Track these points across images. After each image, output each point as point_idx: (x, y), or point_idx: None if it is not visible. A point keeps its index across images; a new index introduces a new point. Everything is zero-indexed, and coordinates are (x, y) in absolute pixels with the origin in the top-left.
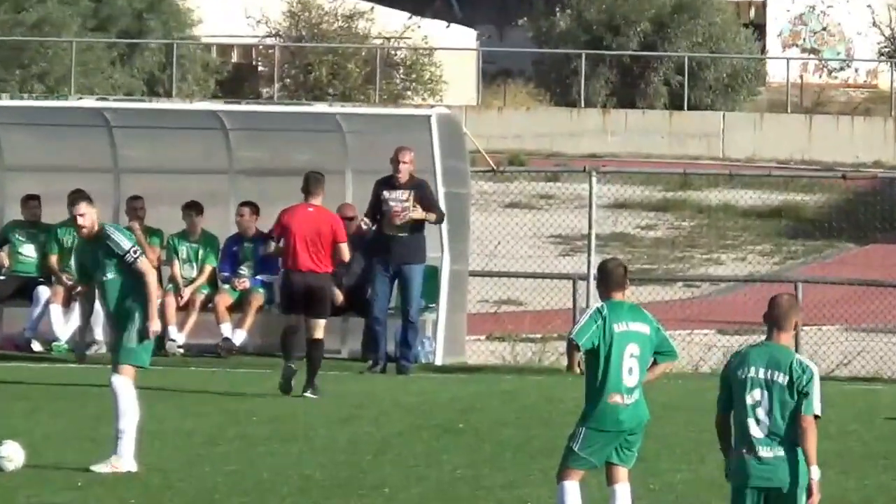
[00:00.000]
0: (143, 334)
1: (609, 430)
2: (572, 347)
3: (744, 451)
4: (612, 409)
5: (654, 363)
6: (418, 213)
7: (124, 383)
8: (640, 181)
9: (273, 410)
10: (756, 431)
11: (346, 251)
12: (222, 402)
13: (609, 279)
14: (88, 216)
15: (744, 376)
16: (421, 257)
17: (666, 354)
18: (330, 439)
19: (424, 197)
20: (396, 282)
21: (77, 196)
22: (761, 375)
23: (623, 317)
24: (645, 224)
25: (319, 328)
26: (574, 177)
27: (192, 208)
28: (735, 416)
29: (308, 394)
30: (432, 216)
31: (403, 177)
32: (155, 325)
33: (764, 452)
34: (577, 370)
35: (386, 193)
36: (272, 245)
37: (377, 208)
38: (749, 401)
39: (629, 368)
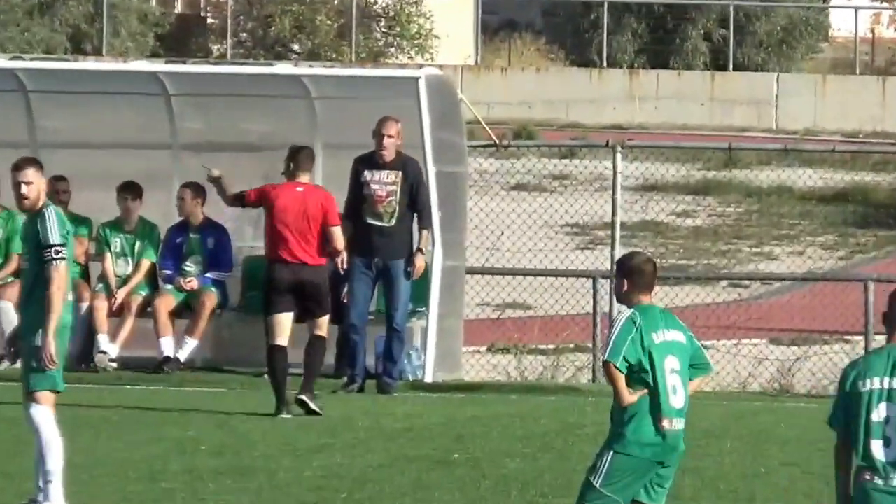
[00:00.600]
0: (39, 360)
1: (642, 457)
2: (612, 372)
3: (866, 477)
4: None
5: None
6: (420, 261)
7: (43, 415)
8: (675, 158)
9: (226, 438)
10: (883, 454)
11: (339, 237)
12: (164, 428)
13: (637, 278)
14: (35, 186)
15: (865, 389)
16: (409, 252)
17: (700, 367)
18: (296, 473)
19: (415, 181)
20: (380, 281)
21: (25, 161)
22: (886, 386)
23: (658, 324)
24: (681, 210)
25: (322, 326)
26: (595, 153)
27: (128, 191)
28: (854, 438)
29: (303, 397)
30: (427, 239)
31: (389, 154)
32: (50, 351)
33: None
34: (633, 398)
35: (367, 174)
36: (236, 203)
37: (357, 193)
38: (875, 418)
39: (673, 386)
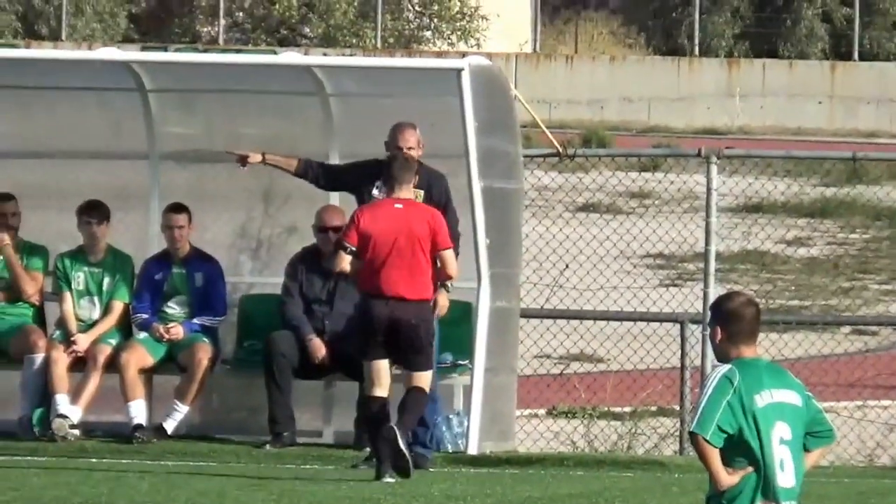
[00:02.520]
0: None
1: None
2: (702, 448)
3: None
4: None
5: (805, 449)
6: (444, 300)
7: None
8: (784, 171)
9: None
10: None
11: (453, 263)
12: None
13: (735, 325)
14: None
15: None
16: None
17: (820, 437)
18: None
19: (441, 202)
20: None
21: None
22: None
23: (763, 382)
24: (792, 237)
25: (423, 380)
26: (684, 164)
27: (92, 213)
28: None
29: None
30: (449, 280)
31: None
32: None
33: None
34: (733, 479)
35: (377, 193)
36: (345, 260)
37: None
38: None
39: (781, 461)
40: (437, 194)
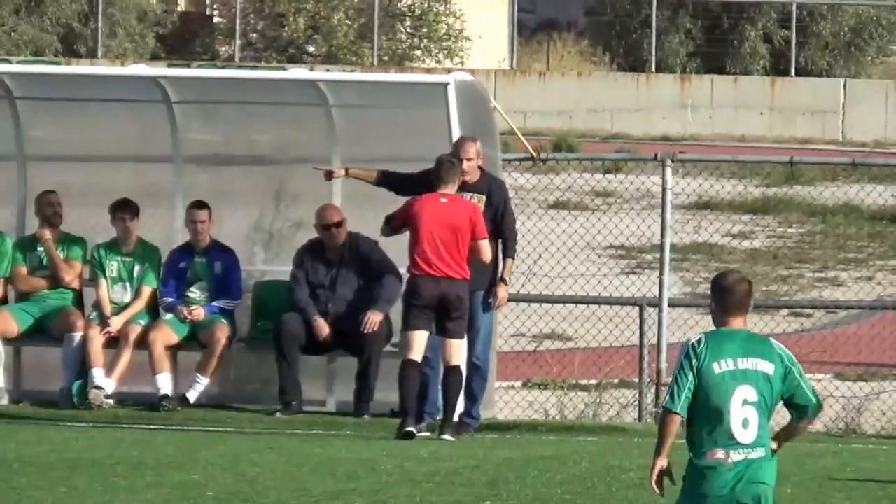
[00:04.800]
0: None
1: (706, 494)
2: (666, 424)
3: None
4: (711, 471)
5: (792, 422)
6: (503, 292)
7: None
8: (731, 173)
9: (234, 483)
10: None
11: (487, 250)
12: (166, 471)
13: (724, 299)
14: None
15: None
16: (484, 282)
17: (802, 411)
18: None
19: (500, 206)
20: None
21: None
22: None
23: (729, 351)
24: (737, 231)
25: (457, 352)
26: (642, 167)
27: (125, 210)
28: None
29: (447, 436)
30: (510, 268)
31: (471, 176)
32: None
33: None
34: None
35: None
36: (387, 229)
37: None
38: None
39: (743, 419)
40: (497, 199)
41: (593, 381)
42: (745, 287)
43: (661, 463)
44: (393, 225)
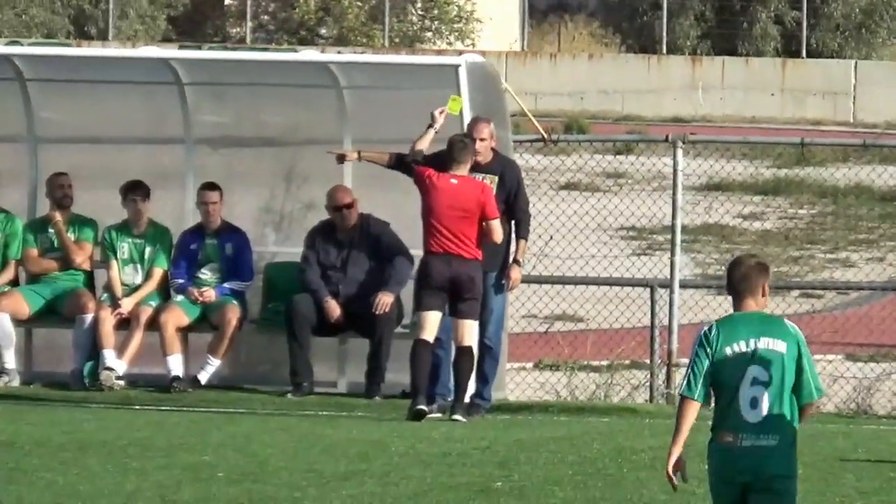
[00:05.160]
0: None
1: (721, 478)
2: (683, 411)
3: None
4: (722, 453)
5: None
6: (516, 273)
7: None
8: (741, 154)
9: (245, 464)
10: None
11: (498, 230)
12: (177, 452)
13: (733, 284)
14: None
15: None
16: (497, 263)
17: (802, 396)
18: (323, 503)
19: (513, 187)
20: None
21: None
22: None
23: (741, 333)
24: (748, 212)
25: (469, 332)
26: (653, 148)
27: (136, 191)
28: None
29: (458, 416)
30: (523, 249)
31: (484, 157)
32: None
33: None
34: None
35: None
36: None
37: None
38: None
39: (752, 399)
40: (510, 179)
41: (604, 363)
42: (755, 269)
43: (676, 454)
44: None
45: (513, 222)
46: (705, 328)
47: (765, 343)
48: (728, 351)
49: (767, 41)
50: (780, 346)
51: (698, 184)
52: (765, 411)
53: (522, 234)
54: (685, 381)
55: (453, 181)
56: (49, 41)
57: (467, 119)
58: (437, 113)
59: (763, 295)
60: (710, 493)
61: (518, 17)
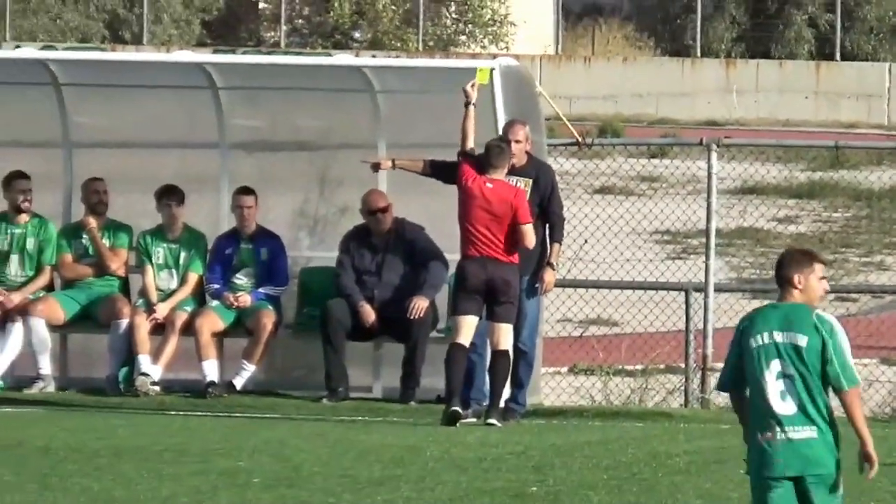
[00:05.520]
0: None
1: (763, 474)
2: (732, 401)
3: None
4: (760, 450)
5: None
6: (550, 276)
7: None
8: (776, 157)
9: (280, 470)
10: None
11: (530, 235)
12: (212, 458)
13: (777, 272)
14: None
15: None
16: (531, 267)
17: (832, 385)
18: None
19: (547, 190)
20: None
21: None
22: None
23: (765, 326)
24: (783, 216)
25: (505, 336)
26: (687, 152)
27: (171, 196)
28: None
29: (493, 421)
30: (557, 252)
31: (518, 160)
32: None
33: None
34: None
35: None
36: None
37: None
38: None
39: (780, 392)
40: (544, 183)
41: (639, 367)
42: (795, 258)
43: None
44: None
45: (546, 226)
46: (740, 321)
47: (785, 337)
48: (752, 343)
49: (801, 44)
50: (799, 339)
51: (733, 187)
52: (796, 405)
53: (556, 237)
54: (720, 377)
55: (489, 185)
56: (84, 45)
57: (499, 104)
58: (468, 88)
59: (804, 285)
60: (751, 494)
61: (552, 20)
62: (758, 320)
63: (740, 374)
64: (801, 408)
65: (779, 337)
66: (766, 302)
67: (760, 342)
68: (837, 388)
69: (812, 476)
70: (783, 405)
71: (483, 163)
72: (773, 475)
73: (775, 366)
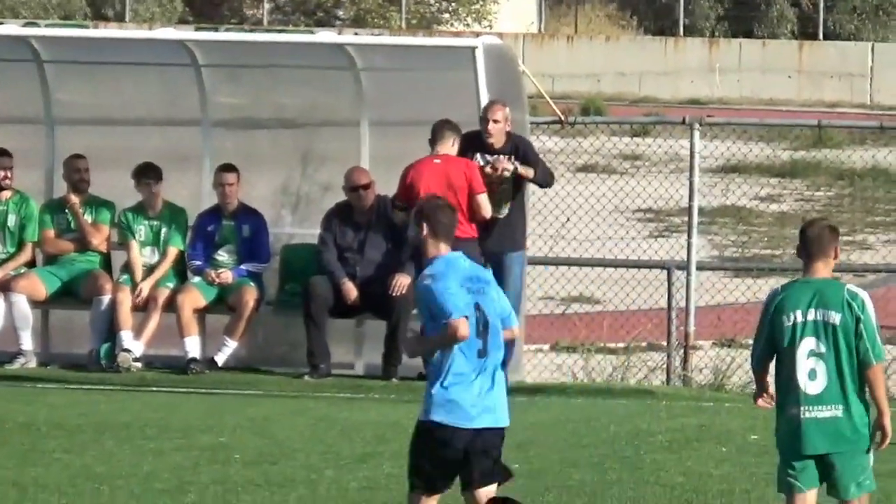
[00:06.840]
0: None
1: (789, 450)
2: (753, 373)
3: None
4: (788, 426)
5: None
6: (524, 170)
7: None
8: (758, 136)
9: (262, 446)
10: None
11: (486, 205)
12: (194, 435)
13: (802, 245)
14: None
15: (789, 323)
16: (520, 243)
17: (862, 359)
18: (339, 485)
19: (536, 161)
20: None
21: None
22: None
23: (797, 303)
24: (765, 194)
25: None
26: (670, 130)
27: (149, 174)
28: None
29: None
30: (531, 172)
31: (497, 140)
32: None
33: None
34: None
35: (479, 158)
36: (399, 215)
37: None
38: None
39: (810, 370)
40: (532, 155)
41: (621, 344)
42: (822, 232)
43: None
44: (399, 204)
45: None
46: (770, 294)
47: (819, 315)
48: (785, 320)
49: (784, 23)
50: (833, 317)
51: (715, 166)
52: (824, 382)
53: (537, 174)
54: (751, 351)
55: (436, 161)
56: (66, 23)
57: (483, 101)
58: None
59: (835, 257)
60: (778, 467)
61: None
62: (791, 297)
63: (773, 349)
64: (829, 387)
65: (812, 315)
66: (747, 280)
67: (794, 320)
68: (866, 362)
69: (837, 453)
70: (811, 385)
71: (429, 143)
72: (801, 453)
73: (807, 343)
